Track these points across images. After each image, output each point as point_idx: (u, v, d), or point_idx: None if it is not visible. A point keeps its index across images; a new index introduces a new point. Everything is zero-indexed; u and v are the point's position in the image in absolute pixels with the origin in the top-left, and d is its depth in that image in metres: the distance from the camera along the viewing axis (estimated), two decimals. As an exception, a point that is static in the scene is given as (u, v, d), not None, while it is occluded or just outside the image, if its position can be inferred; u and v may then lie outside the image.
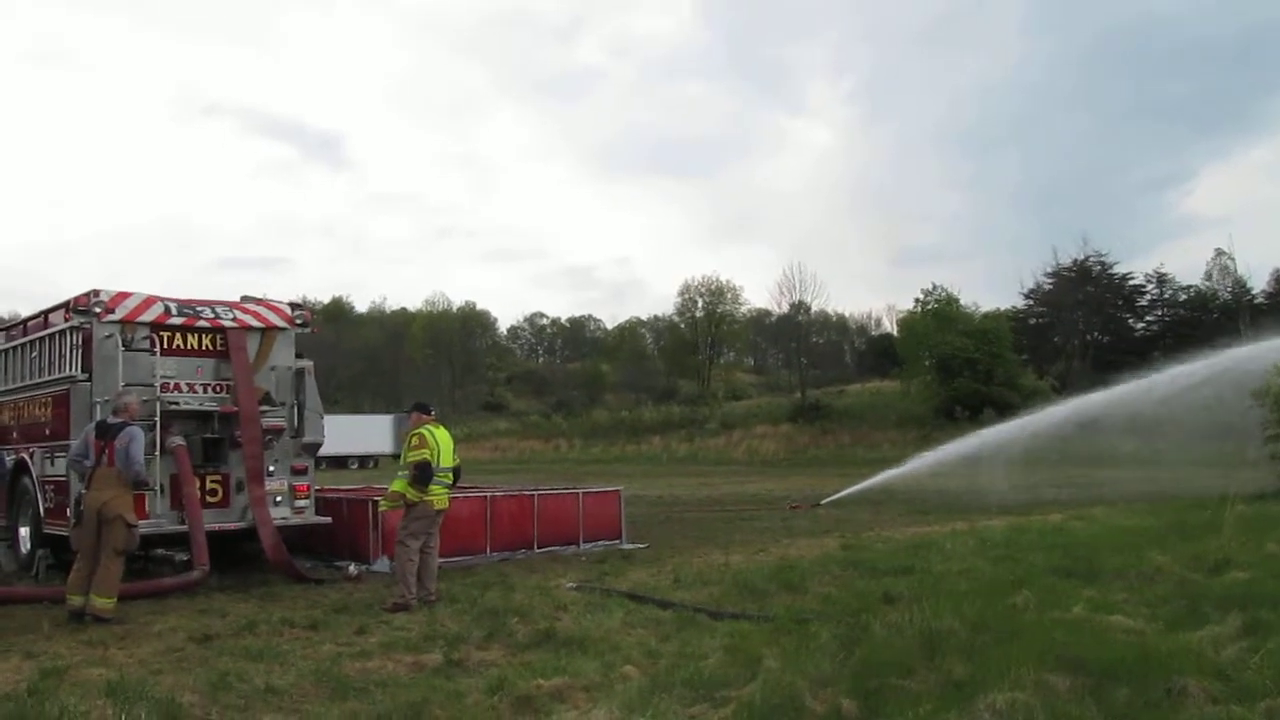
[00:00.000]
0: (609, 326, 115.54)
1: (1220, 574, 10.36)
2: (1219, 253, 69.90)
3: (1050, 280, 71.48)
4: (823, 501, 24.95)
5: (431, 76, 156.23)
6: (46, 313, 13.98)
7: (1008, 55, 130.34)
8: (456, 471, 11.40)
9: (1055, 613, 8.55)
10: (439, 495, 10.97)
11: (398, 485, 10.98)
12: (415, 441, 10.91)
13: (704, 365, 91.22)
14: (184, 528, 11.98)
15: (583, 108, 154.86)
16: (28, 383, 13.52)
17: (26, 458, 12.88)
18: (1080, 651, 6.77)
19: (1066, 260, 70.58)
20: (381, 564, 12.85)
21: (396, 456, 12.00)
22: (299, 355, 13.68)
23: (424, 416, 11.22)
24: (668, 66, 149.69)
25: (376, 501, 12.99)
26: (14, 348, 14.23)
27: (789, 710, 5.98)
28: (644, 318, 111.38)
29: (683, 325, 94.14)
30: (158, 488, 11.92)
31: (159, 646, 8.58)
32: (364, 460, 54.93)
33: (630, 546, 15.80)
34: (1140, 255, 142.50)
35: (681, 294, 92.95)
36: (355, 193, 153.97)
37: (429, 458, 10.80)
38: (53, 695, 6.50)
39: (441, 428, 11.32)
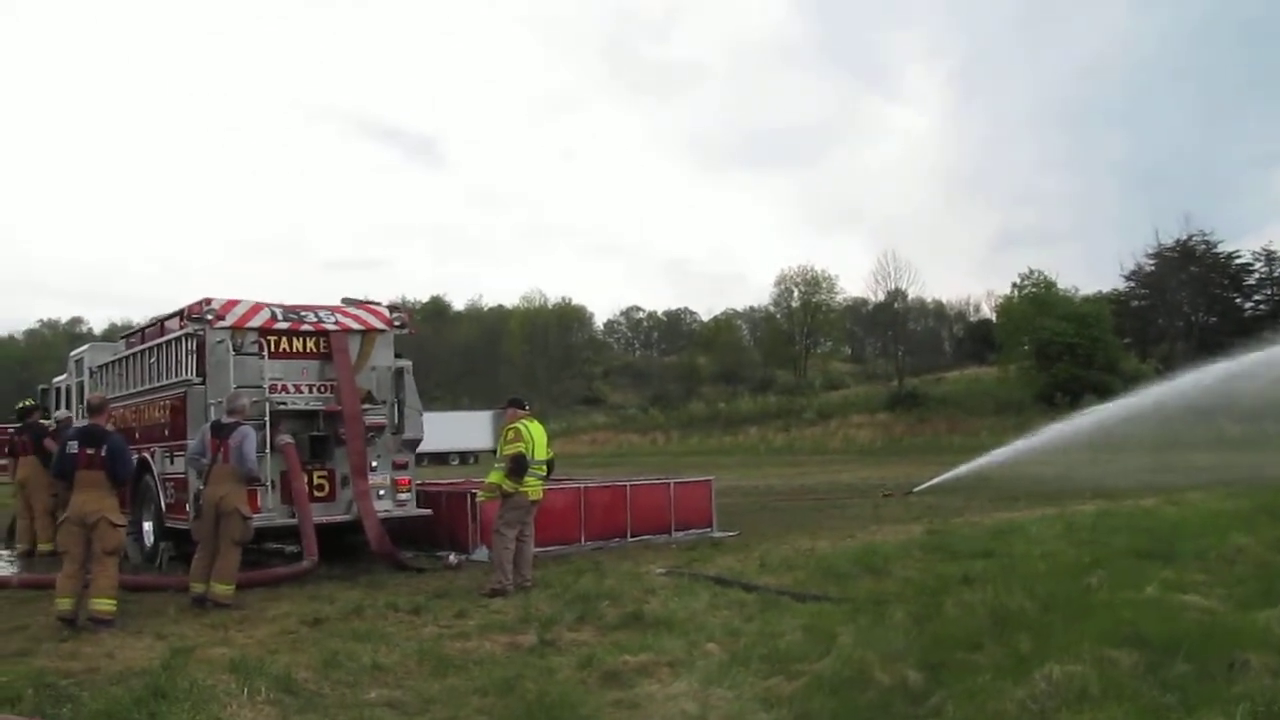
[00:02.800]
0: (704, 319, 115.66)
1: (1302, 555, 10.41)
2: (1332, 229, 67.78)
3: (1152, 262, 70.02)
4: (915, 489, 25.00)
5: (529, 74, 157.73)
6: (162, 321, 14.80)
7: (1110, 31, 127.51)
8: (550, 464, 11.90)
9: (1127, 592, 8.74)
10: (533, 486, 11.47)
11: (494, 477, 11.54)
12: (511, 435, 11.44)
13: (800, 355, 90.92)
14: (293, 521, 12.63)
15: (680, 101, 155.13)
16: (147, 387, 14.31)
17: (148, 457, 13.64)
18: (1146, 629, 7.01)
19: (1168, 241, 69.11)
20: (480, 553, 13.36)
21: (494, 451, 12.52)
22: (398, 355, 14.28)
23: (519, 412, 11.72)
24: (764, 57, 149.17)
25: (474, 494, 13.56)
26: (134, 354, 15.06)
27: (858, 682, 6.35)
28: (740, 309, 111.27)
29: (779, 316, 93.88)
30: (268, 483, 12.59)
31: (274, 629, 9.21)
32: (464, 456, 55.96)
33: (720, 535, 16.16)
34: (1250, 234, 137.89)
35: (777, 284, 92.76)
36: (455, 193, 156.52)
37: (524, 450, 11.30)
38: (182, 671, 7.07)
39: (535, 422, 11.81)
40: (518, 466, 11.27)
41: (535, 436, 11.52)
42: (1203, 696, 5.54)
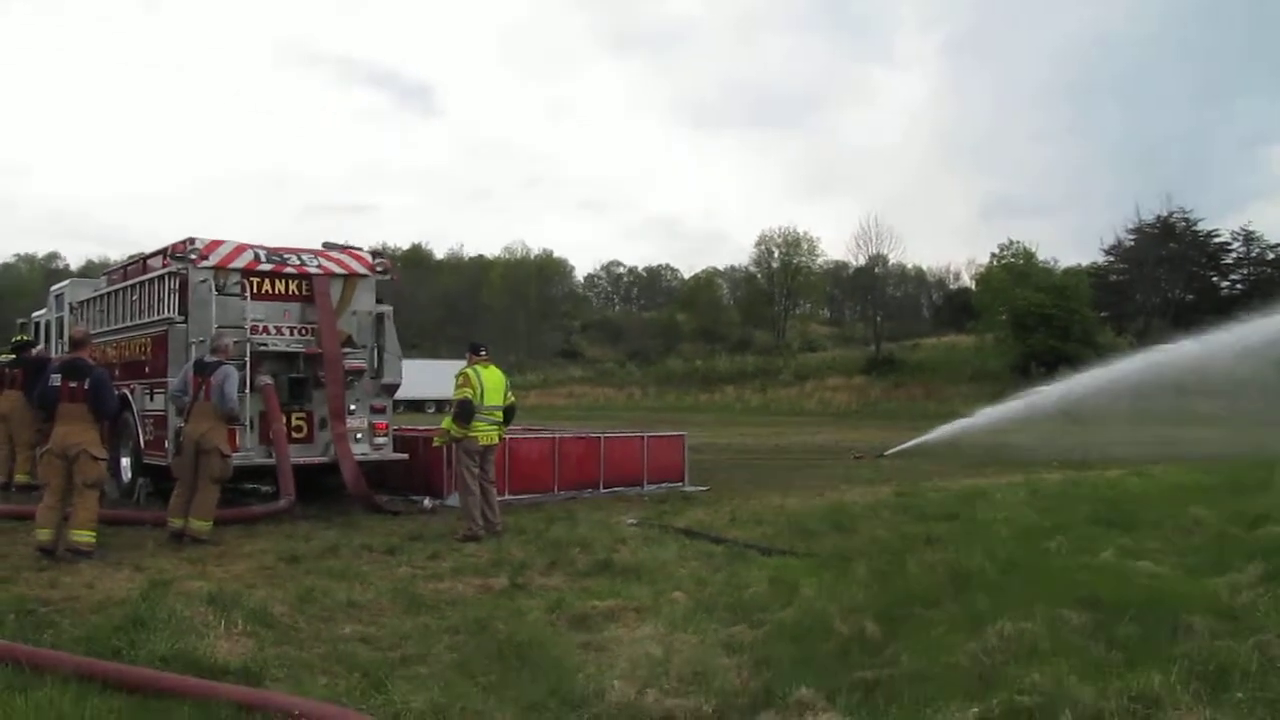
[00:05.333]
0: (685, 276, 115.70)
1: (1257, 528, 10.65)
2: (1313, 210, 68.34)
3: (1132, 237, 70.44)
4: (887, 452, 25.30)
5: (526, 27, 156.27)
6: (145, 258, 14.85)
7: (1106, 6, 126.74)
8: (508, 410, 12.05)
9: (1084, 558, 9.01)
10: (485, 431, 11.63)
11: (445, 422, 11.78)
12: (460, 381, 11.64)
13: (779, 317, 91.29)
14: (271, 461, 12.78)
15: (675, 59, 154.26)
16: (128, 324, 14.37)
17: (128, 393, 13.69)
18: (1099, 591, 7.22)
19: (1149, 217, 69.51)
20: (454, 499, 13.48)
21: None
22: (379, 301, 14.38)
23: (474, 356, 11.90)
24: (761, 18, 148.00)
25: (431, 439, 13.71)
26: (115, 291, 15.10)
27: (819, 631, 6.57)
28: (721, 268, 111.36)
29: (759, 276, 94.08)
30: (247, 423, 12.71)
31: (251, 565, 9.40)
32: (440, 404, 55.97)
33: (692, 489, 16.42)
34: (1233, 213, 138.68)
35: (758, 245, 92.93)
36: (445, 141, 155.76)
37: (470, 396, 11.47)
38: (161, 602, 7.21)
39: (491, 367, 11.94)
40: (463, 411, 11.46)
41: (487, 382, 11.67)
42: (1145, 655, 5.76)
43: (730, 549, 10.11)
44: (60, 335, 17.25)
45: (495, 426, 11.81)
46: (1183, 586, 7.76)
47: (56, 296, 18.08)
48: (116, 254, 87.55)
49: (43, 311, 18.87)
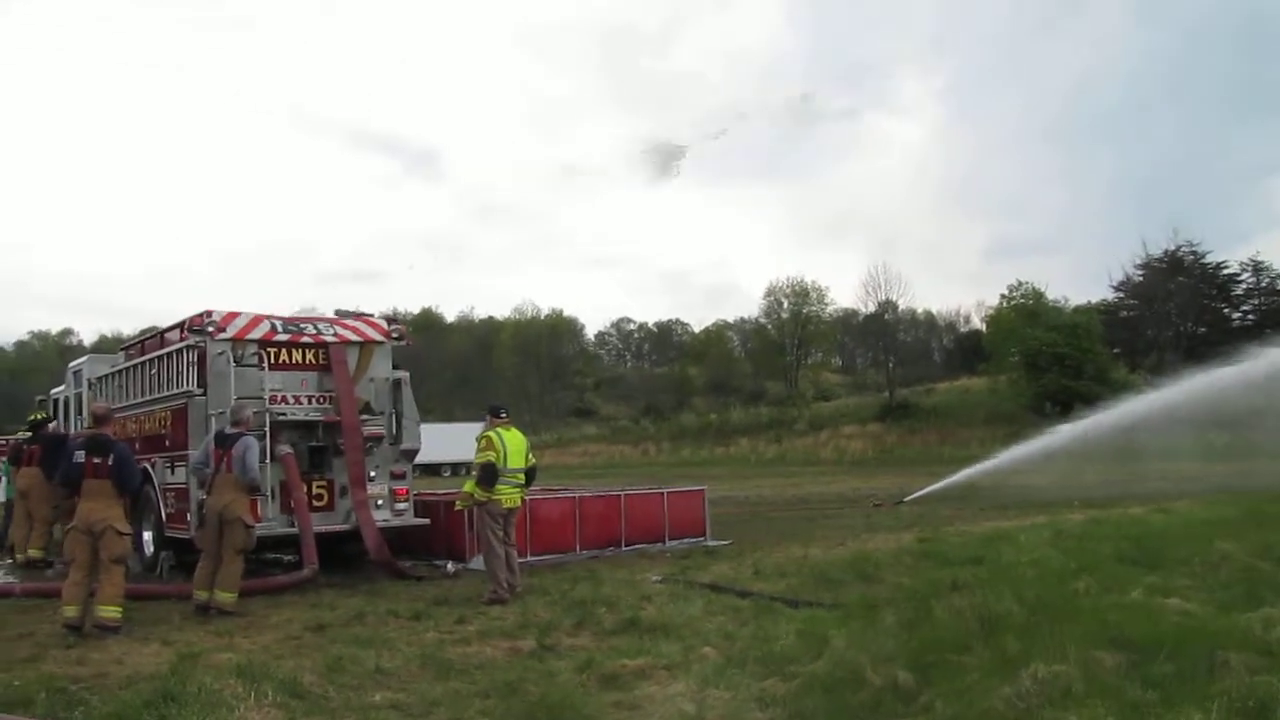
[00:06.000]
0: (696, 330, 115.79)
1: (1286, 561, 10.63)
2: (1320, 239, 68.38)
3: (1140, 272, 70.48)
4: (906, 499, 25.23)
5: (528, 86, 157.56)
6: (163, 332, 14.97)
7: (1108, 46, 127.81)
8: (530, 472, 12.02)
9: (1113, 597, 8.97)
10: (508, 494, 11.62)
11: (467, 485, 11.81)
12: (483, 444, 11.65)
13: (791, 366, 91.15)
14: (293, 530, 12.79)
15: (679, 113, 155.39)
16: (147, 398, 14.45)
17: (149, 467, 13.75)
18: (1130, 631, 7.20)
19: (1157, 251, 69.60)
20: (477, 561, 13.47)
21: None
22: (396, 367, 14.47)
23: (494, 419, 11.91)
24: (761, 70, 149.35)
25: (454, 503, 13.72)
26: (133, 366, 15.21)
27: (851, 682, 6.54)
28: (730, 320, 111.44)
29: (769, 327, 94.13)
30: (268, 493, 12.75)
31: (278, 635, 9.39)
32: (456, 467, 55.97)
33: (714, 543, 16.37)
34: (1239, 245, 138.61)
35: (767, 295, 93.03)
36: (453, 205, 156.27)
37: (494, 459, 11.50)
38: (191, 676, 7.21)
39: (513, 430, 11.95)
40: (486, 475, 11.47)
41: (509, 444, 11.67)
42: (1183, 694, 5.73)
43: (757, 602, 10.07)
44: (79, 411, 17.38)
45: (518, 489, 11.81)
46: (1215, 623, 7.72)
47: (75, 373, 18.22)
48: (129, 328, 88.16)
49: (61, 388, 19.00)
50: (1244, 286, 70.96)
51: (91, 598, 9.69)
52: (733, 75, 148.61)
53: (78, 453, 10.14)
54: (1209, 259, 69.55)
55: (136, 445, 14.05)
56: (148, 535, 14.16)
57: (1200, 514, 16.57)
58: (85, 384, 17.28)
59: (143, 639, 9.28)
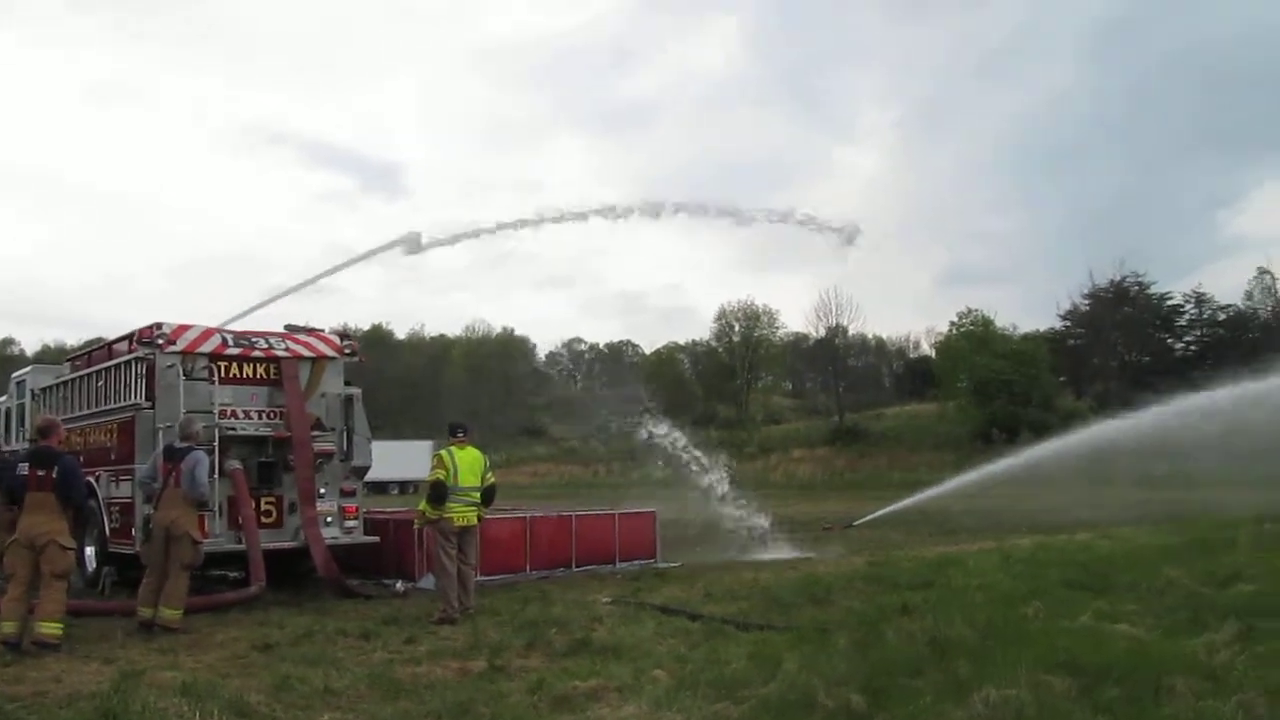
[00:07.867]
0: (647, 352, 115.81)
1: (1228, 587, 10.79)
2: (1261, 271, 69.82)
3: (1087, 302, 71.56)
4: (855, 523, 25.37)
5: (488, 109, 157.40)
6: (110, 344, 14.76)
7: (1059, 83, 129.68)
8: (487, 491, 11.93)
9: (1063, 621, 9.05)
10: (460, 512, 11.56)
11: (420, 504, 11.82)
12: (435, 462, 11.73)
13: (741, 390, 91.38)
14: (241, 547, 12.62)
15: (636, 137, 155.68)
16: (93, 410, 14.23)
17: (93, 481, 13.50)
18: (1079, 655, 7.27)
19: (1103, 282, 70.70)
20: (427, 581, 13.40)
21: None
22: (348, 383, 14.36)
23: (451, 439, 11.91)
24: (718, 96, 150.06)
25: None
26: (79, 378, 14.97)
27: (803, 705, 6.52)
28: (682, 343, 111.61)
29: (720, 350, 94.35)
30: (216, 508, 12.58)
31: (224, 654, 9.23)
32: (404, 485, 55.60)
33: (665, 565, 16.35)
34: (1185, 277, 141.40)
35: (718, 319, 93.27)
36: (407, 221, 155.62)
37: (443, 478, 11.48)
38: (133, 694, 7.08)
39: (468, 448, 11.89)
40: (436, 493, 11.47)
41: (461, 463, 11.64)
42: (1131, 718, 5.80)
43: (708, 625, 10.06)
44: (21, 422, 17.05)
45: (472, 507, 11.72)
46: (1161, 648, 7.82)
47: (18, 383, 17.88)
48: (72, 339, 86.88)
49: (3, 399, 18.64)
50: (1187, 317, 72.41)
51: (31, 614, 9.49)
52: (691, 100, 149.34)
53: (21, 465, 9.96)
54: (1153, 290, 70.93)
55: (82, 458, 13.80)
56: (90, 550, 13.88)
57: (1144, 540, 16.77)
58: (29, 395, 16.97)
59: (83, 657, 9.08)
